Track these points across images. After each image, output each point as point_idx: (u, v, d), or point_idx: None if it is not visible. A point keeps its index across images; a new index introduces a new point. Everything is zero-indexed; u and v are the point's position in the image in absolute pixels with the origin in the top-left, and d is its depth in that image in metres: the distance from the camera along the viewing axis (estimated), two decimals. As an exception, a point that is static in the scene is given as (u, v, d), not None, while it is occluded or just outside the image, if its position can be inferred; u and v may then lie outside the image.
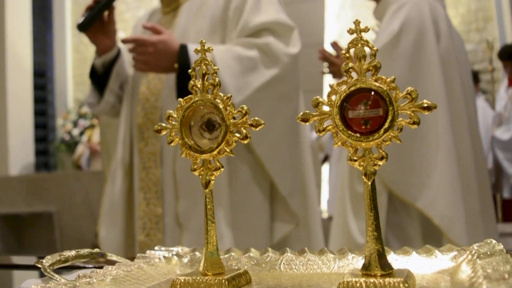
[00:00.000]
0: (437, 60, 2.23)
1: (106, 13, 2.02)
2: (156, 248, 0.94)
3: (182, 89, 1.87)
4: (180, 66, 1.87)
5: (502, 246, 0.76)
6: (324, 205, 6.32)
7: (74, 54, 8.35)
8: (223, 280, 0.71)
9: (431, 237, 2.21)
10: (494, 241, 0.78)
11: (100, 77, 2.12)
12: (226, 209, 1.93)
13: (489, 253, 0.74)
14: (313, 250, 0.87)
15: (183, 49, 1.89)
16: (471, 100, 2.37)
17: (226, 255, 0.90)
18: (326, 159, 6.06)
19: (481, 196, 2.29)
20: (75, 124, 7.59)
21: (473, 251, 0.76)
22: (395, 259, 0.81)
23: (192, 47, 1.89)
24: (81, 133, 7.33)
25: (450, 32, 2.35)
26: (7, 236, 5.35)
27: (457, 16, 7.02)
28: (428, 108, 0.67)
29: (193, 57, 1.87)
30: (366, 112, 0.69)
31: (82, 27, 2.00)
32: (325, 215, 5.85)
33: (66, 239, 4.97)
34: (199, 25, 2.04)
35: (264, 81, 1.94)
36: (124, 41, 1.90)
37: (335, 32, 7.36)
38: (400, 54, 2.25)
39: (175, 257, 0.91)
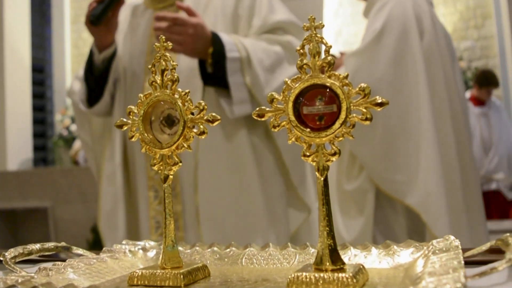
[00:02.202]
0: (420, 57, 2.24)
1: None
2: (123, 242, 0.95)
3: (216, 75, 1.88)
4: (214, 51, 1.86)
5: (458, 243, 0.76)
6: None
7: (73, 50, 8.35)
8: (179, 274, 0.72)
9: (416, 233, 2.23)
10: (452, 237, 0.79)
11: (99, 74, 2.07)
12: (260, 199, 1.96)
13: (444, 249, 0.74)
14: (276, 245, 0.87)
15: (216, 35, 1.89)
16: (456, 97, 2.37)
17: (190, 250, 0.91)
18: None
19: (467, 192, 2.30)
20: (73, 119, 7.59)
21: (430, 247, 0.77)
22: (354, 255, 0.82)
23: (223, 35, 1.90)
24: (79, 129, 7.33)
25: (435, 29, 2.36)
26: (2, 231, 5.37)
27: (455, 13, 7.00)
28: (381, 104, 0.68)
29: (227, 43, 1.88)
30: (321, 108, 0.70)
31: (96, 20, 1.92)
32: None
33: (61, 234, 4.98)
34: (210, 21, 2.02)
35: (289, 76, 1.94)
36: (161, 18, 1.82)
37: (333, 29, 7.35)
38: (383, 52, 2.26)
39: (141, 251, 0.91)
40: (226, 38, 1.90)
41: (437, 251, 0.74)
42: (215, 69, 1.88)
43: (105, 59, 2.06)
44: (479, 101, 5.72)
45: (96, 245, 4.31)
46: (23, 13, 7.16)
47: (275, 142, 2.01)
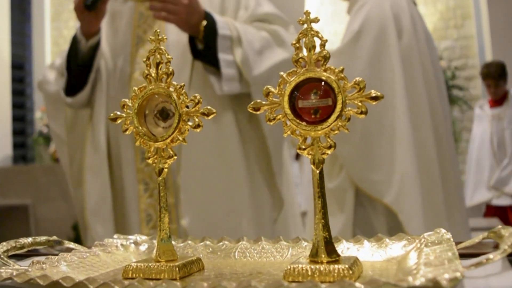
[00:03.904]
0: (397, 57, 2.26)
1: None
2: (115, 236, 0.95)
3: (206, 52, 1.90)
4: (208, 26, 1.88)
5: (450, 235, 0.77)
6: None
7: (53, 47, 8.26)
8: (174, 267, 0.72)
9: (397, 231, 2.24)
10: (443, 231, 0.80)
11: (83, 63, 2.04)
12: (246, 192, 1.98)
13: (436, 241, 0.75)
14: (268, 239, 0.88)
15: (208, 13, 1.91)
16: (436, 95, 2.39)
17: (182, 244, 0.91)
18: (298, 155, 6.06)
19: (446, 191, 2.32)
20: (53, 117, 7.51)
21: (422, 240, 0.78)
22: (347, 248, 0.82)
23: (215, 14, 1.93)
24: (59, 126, 7.23)
25: (415, 28, 2.38)
26: (-18, 228, 5.31)
27: (435, 13, 7.05)
28: (376, 98, 0.69)
29: (219, 21, 1.90)
30: (316, 101, 0.70)
31: (92, 4, 1.90)
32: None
33: (42, 232, 4.93)
34: None
35: (275, 62, 1.98)
36: None
37: (314, 27, 7.35)
38: (361, 52, 2.28)
39: (133, 245, 0.91)
40: (219, 17, 1.93)
41: (429, 244, 0.75)
42: (206, 44, 1.89)
43: (91, 48, 2.04)
44: (493, 101, 5.10)
45: (76, 242, 4.26)
46: (2, 10, 7.08)
47: (260, 125, 2.02)
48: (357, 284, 0.52)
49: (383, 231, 2.29)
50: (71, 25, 8.00)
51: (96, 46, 2.04)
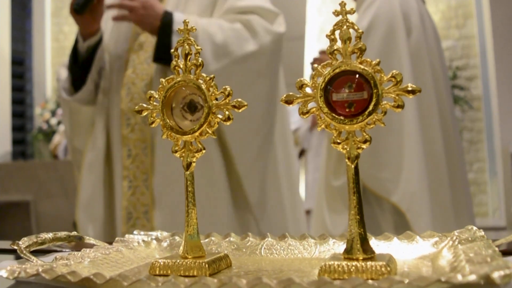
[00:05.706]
0: (406, 55, 2.25)
1: None
2: (135, 232, 0.93)
3: (159, 52, 1.90)
4: (162, 25, 1.88)
5: (483, 233, 0.76)
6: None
7: (53, 43, 8.23)
8: (203, 263, 0.70)
9: (403, 230, 2.23)
10: (475, 228, 0.78)
11: (82, 62, 2.06)
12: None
13: (470, 239, 0.74)
14: (294, 236, 0.86)
15: (167, 13, 1.91)
16: (444, 94, 2.38)
17: (206, 240, 0.89)
18: (302, 153, 6.04)
19: (454, 189, 2.31)
20: (53, 113, 7.49)
21: (454, 237, 0.76)
22: (376, 245, 0.81)
23: (177, 14, 1.92)
24: (59, 123, 7.22)
25: (423, 25, 2.36)
26: (-18, 224, 5.29)
27: (437, 12, 7.05)
28: (413, 92, 0.67)
29: (178, 20, 1.89)
30: (350, 95, 0.68)
31: (80, 8, 1.92)
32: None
33: (43, 228, 4.91)
34: (190, 8, 2.05)
35: (242, 54, 1.95)
36: None
37: (316, 26, 7.36)
38: (369, 50, 2.26)
39: (154, 241, 0.90)
40: (179, 15, 1.92)
41: (462, 241, 0.73)
42: (160, 42, 1.89)
43: (90, 47, 2.05)
44: None
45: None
46: (3, 5, 7.06)
47: (224, 140, 1.96)
48: (406, 281, 0.50)
49: (390, 230, 2.28)
50: (72, 21, 7.94)
51: (96, 46, 2.05)
